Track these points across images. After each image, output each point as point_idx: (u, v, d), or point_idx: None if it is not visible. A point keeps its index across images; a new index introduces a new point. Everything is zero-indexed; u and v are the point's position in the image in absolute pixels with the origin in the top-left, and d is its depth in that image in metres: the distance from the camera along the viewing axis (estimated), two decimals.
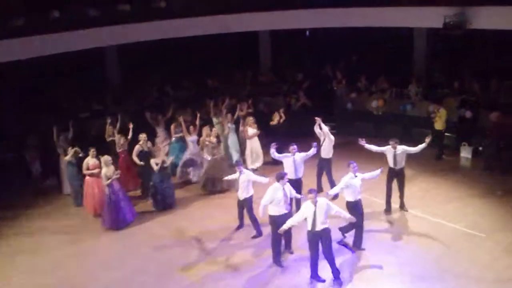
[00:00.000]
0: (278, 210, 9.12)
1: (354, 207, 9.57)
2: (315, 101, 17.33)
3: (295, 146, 10.69)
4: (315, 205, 8.37)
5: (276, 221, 9.05)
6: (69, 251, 10.55)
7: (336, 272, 8.68)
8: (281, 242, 9.41)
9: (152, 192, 12.24)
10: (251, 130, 14.13)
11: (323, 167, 12.15)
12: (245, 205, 10.46)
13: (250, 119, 14.27)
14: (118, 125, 13.90)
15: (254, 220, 10.42)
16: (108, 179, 11.14)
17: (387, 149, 11.10)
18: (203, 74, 19.10)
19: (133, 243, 10.80)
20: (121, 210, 11.31)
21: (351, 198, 9.66)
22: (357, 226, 9.59)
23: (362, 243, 9.76)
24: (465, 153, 14.72)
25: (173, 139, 14.57)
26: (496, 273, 8.79)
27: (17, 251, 10.62)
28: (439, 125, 14.53)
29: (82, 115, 16.69)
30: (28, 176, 14.46)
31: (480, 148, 14.30)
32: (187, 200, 12.75)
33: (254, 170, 13.32)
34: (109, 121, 13.97)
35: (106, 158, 11.41)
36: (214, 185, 12.95)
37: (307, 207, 8.45)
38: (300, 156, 10.71)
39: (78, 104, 17.07)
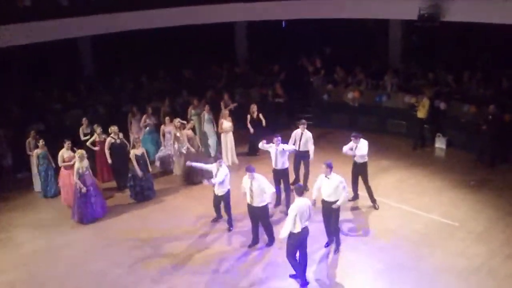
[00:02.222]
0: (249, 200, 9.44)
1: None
2: (292, 93, 17.34)
3: (279, 138, 10.80)
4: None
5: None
6: (41, 245, 10.37)
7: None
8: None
9: (131, 184, 12.14)
10: (226, 123, 14.04)
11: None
12: (223, 200, 10.41)
13: (226, 113, 14.19)
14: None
15: (230, 214, 10.49)
16: (80, 174, 10.97)
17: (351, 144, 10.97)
18: (178, 65, 18.92)
19: (108, 236, 10.65)
20: (90, 205, 11.10)
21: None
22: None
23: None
24: (440, 143, 14.91)
25: (146, 130, 14.51)
26: (467, 261, 8.95)
27: None
28: (421, 113, 14.67)
29: (56, 106, 16.39)
30: None
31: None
32: (165, 192, 12.65)
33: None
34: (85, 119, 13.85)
35: (81, 152, 11.23)
36: (192, 177, 12.88)
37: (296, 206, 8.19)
38: (283, 147, 10.84)
39: (52, 96, 16.74)
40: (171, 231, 10.66)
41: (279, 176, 11.09)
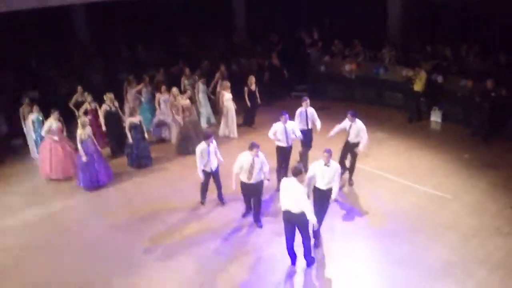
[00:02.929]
0: (247, 177, 9.13)
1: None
2: (288, 64, 17.24)
3: (286, 115, 10.45)
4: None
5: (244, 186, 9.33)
6: (37, 213, 10.42)
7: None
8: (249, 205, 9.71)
9: (128, 151, 12.22)
10: (227, 95, 13.89)
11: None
12: (215, 176, 10.18)
13: (226, 84, 13.98)
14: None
15: (220, 188, 10.34)
16: (82, 141, 10.92)
17: (345, 123, 10.75)
18: (175, 35, 18.72)
19: (104, 203, 10.75)
20: (94, 171, 11.10)
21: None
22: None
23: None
24: (435, 117, 14.95)
25: (143, 100, 14.46)
26: (459, 232, 9.09)
27: None
28: (418, 86, 14.66)
29: (51, 73, 16.25)
30: None
31: None
32: (161, 160, 12.70)
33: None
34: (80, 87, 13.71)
35: (83, 119, 11.16)
36: (187, 146, 12.86)
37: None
38: (291, 124, 10.54)
39: (47, 63, 16.56)
40: (167, 198, 10.74)
41: (287, 154, 10.74)
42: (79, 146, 10.93)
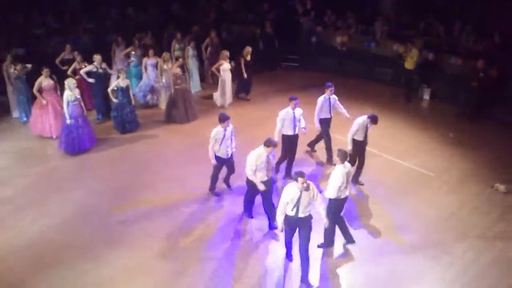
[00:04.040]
0: (265, 175, 8.12)
1: None
2: (281, 33, 17.05)
3: (297, 101, 9.62)
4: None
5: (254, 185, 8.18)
6: (20, 172, 10.33)
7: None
8: (253, 203, 8.77)
9: (114, 115, 12.10)
10: (226, 65, 13.54)
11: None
12: (230, 162, 9.35)
13: (226, 54, 13.59)
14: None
15: (231, 173, 9.63)
16: (69, 103, 10.67)
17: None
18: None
19: (88, 165, 10.68)
20: (77, 136, 10.90)
21: None
22: None
23: None
24: (424, 94, 14.97)
25: (131, 63, 14.24)
26: (438, 210, 9.23)
27: None
28: (409, 64, 14.50)
29: (37, 31, 15.88)
30: None
31: None
32: (148, 126, 12.63)
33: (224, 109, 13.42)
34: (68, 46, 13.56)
35: (70, 81, 10.86)
36: (176, 116, 12.74)
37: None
38: (299, 112, 9.76)
39: (33, 20, 16.15)
40: (151, 164, 10.71)
41: (294, 144, 9.92)
42: (64, 108, 10.74)
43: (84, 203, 9.23)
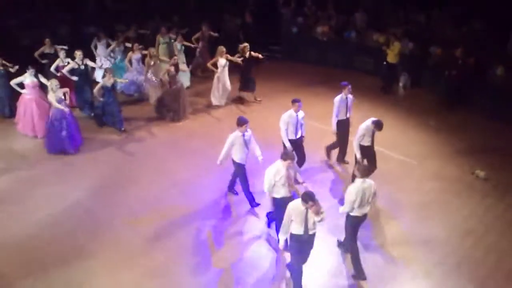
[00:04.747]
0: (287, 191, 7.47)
1: None
2: (261, 24, 16.98)
3: (300, 103, 9.16)
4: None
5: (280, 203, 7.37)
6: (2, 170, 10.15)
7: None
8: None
9: (98, 112, 11.91)
10: (222, 61, 13.05)
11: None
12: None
13: (222, 49, 13.06)
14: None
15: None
16: (56, 103, 10.32)
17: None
18: None
19: (70, 160, 10.48)
20: (61, 138, 10.52)
21: None
22: None
23: None
24: (404, 83, 15.04)
25: (117, 58, 14.01)
26: (421, 196, 9.33)
27: None
28: (391, 58, 14.29)
29: (11, 22, 15.52)
30: None
31: None
32: (135, 122, 12.38)
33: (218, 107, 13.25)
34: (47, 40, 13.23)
35: (54, 82, 10.44)
36: (168, 113, 12.46)
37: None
38: (302, 115, 9.30)
39: (6, 11, 15.75)
40: (139, 162, 10.54)
41: (299, 147, 9.41)
42: (56, 106, 10.33)
43: (66, 198, 9.07)
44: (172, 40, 14.62)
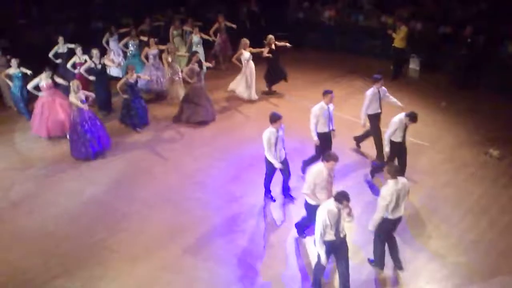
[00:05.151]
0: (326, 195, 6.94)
1: None
2: (267, 10, 16.90)
3: (332, 94, 8.71)
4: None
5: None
6: (13, 161, 10.29)
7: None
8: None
9: (123, 112, 11.50)
10: (246, 54, 12.50)
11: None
12: (284, 165, 8.32)
13: (246, 42, 12.54)
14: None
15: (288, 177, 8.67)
16: (79, 103, 9.94)
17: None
18: None
19: (102, 173, 10.07)
20: (86, 141, 10.10)
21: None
22: None
23: None
24: (414, 65, 14.96)
25: (129, 54, 13.72)
26: (435, 178, 9.30)
27: None
28: (398, 43, 13.94)
29: (20, 21, 15.60)
30: None
31: None
32: (152, 119, 12.02)
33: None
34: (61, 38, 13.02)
35: (75, 83, 9.97)
36: (193, 115, 11.74)
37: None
38: (332, 107, 8.90)
39: (16, 9, 15.82)
40: (156, 155, 10.51)
41: (330, 141, 9.02)
42: (78, 106, 9.95)
43: (82, 193, 9.15)
44: (188, 33, 14.37)
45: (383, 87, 9.57)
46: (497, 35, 13.31)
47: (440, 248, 7.51)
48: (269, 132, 7.86)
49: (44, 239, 7.94)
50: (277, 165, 8.03)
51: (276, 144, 7.92)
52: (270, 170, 8.33)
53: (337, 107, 11.05)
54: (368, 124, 9.72)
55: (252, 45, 12.78)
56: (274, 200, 8.74)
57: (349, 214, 6.12)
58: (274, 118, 7.84)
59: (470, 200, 8.64)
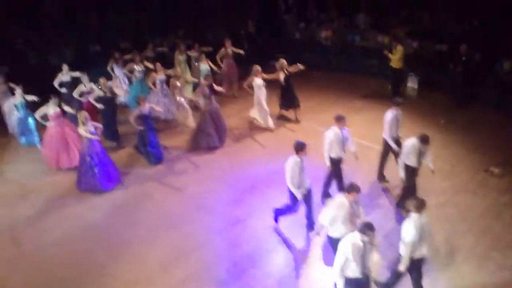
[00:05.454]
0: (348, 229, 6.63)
1: None
2: (264, 31, 17.06)
3: (344, 117, 8.59)
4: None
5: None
6: (13, 188, 10.28)
7: None
8: None
9: (141, 148, 11.08)
10: (258, 81, 12.05)
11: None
12: (308, 196, 8.11)
13: (257, 68, 12.08)
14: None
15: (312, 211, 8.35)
16: (88, 134, 9.69)
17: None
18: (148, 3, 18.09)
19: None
20: (93, 175, 9.80)
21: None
22: None
23: None
24: (412, 83, 14.99)
25: (134, 80, 13.44)
26: (435, 197, 9.20)
27: None
28: (395, 63, 13.82)
29: (17, 44, 15.69)
30: None
31: None
32: (164, 147, 11.61)
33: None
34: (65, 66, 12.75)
35: (83, 114, 9.71)
36: (201, 141, 11.46)
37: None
38: (346, 131, 8.78)
39: (13, 32, 15.87)
40: (158, 178, 10.45)
41: (339, 166, 8.82)
42: (87, 137, 9.68)
43: (81, 218, 9.13)
44: (194, 60, 14.02)
45: (400, 111, 9.38)
46: (492, 52, 13.43)
47: (443, 268, 7.44)
48: (293, 161, 7.58)
49: (44, 264, 7.89)
50: (299, 196, 7.75)
51: (300, 174, 7.65)
52: (292, 202, 7.99)
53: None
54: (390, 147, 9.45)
55: (249, 65, 12.66)
56: (277, 223, 8.61)
57: (375, 244, 5.75)
58: (300, 147, 7.55)
59: (472, 218, 8.61)
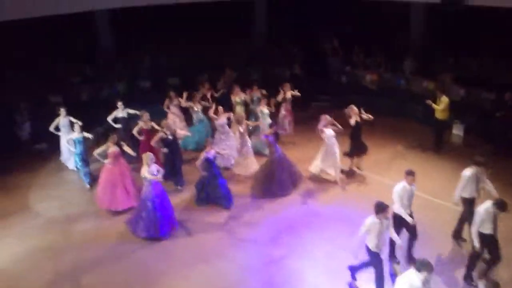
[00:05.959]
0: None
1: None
2: (310, 74, 17.22)
3: (413, 172, 8.32)
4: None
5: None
6: (59, 216, 10.60)
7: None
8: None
9: (199, 187, 10.72)
10: (328, 132, 11.29)
11: None
12: None
13: (327, 118, 11.41)
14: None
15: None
16: (148, 181, 9.33)
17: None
18: (197, 42, 18.68)
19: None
20: (152, 220, 9.39)
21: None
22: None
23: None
24: (457, 130, 14.68)
25: (195, 120, 13.24)
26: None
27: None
28: (439, 114, 13.16)
29: (74, 80, 16.42)
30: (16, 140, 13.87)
31: None
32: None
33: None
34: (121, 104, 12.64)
35: (149, 156, 9.44)
36: (269, 187, 10.96)
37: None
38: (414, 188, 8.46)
39: (70, 69, 16.70)
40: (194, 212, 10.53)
41: (403, 220, 8.29)
42: (148, 178, 9.27)
43: (124, 252, 9.27)
44: (257, 100, 13.55)
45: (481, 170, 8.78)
46: None
47: None
48: (371, 221, 7.37)
49: None
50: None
51: (378, 235, 7.41)
52: (375, 262, 7.70)
53: (380, 172, 10.99)
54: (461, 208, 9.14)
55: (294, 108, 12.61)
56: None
57: None
58: (379, 209, 7.29)
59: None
